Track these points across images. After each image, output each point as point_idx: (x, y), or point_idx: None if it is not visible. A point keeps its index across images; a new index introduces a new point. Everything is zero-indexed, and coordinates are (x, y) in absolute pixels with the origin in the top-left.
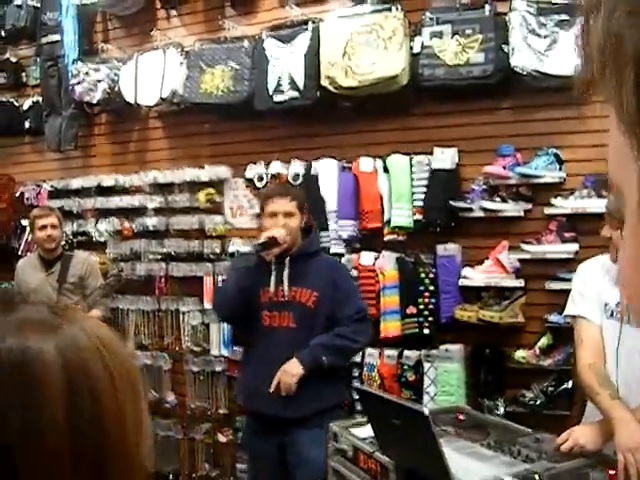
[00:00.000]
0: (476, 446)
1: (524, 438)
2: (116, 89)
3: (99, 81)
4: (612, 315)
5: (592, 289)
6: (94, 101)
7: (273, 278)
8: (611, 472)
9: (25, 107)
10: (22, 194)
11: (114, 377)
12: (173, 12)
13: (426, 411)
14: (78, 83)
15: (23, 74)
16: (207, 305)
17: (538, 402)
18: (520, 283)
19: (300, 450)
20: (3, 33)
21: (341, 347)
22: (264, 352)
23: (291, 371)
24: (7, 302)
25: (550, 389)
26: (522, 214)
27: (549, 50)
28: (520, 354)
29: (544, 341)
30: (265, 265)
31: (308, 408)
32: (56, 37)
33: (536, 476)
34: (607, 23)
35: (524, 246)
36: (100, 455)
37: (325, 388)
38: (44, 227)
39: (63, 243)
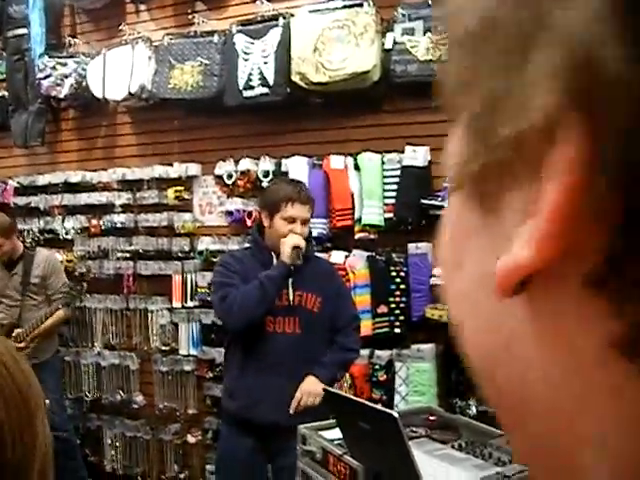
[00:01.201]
0: (447, 448)
1: (496, 440)
2: (84, 84)
3: (66, 76)
4: None
5: None
6: (61, 96)
7: None
8: None
9: None
10: None
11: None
12: (142, 6)
13: (395, 414)
14: (45, 78)
15: None
16: (176, 304)
17: None
18: None
19: (288, 456)
20: None
21: (349, 360)
22: (268, 358)
23: (314, 391)
24: None
25: None
26: None
27: None
28: None
29: None
30: (263, 268)
31: (309, 416)
32: (22, 30)
33: None
34: None
35: None
36: None
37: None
38: None
39: (21, 241)
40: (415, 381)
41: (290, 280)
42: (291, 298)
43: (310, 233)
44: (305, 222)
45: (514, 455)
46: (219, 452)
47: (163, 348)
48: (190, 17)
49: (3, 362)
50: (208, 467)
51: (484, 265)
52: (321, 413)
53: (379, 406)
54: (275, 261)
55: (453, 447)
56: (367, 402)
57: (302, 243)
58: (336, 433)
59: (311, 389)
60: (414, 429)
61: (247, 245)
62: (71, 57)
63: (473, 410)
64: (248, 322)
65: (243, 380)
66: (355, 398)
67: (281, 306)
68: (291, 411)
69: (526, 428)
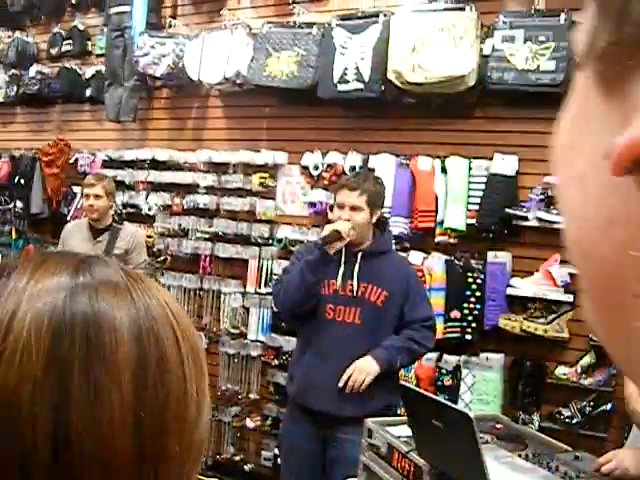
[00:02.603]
0: (514, 456)
1: (563, 455)
2: (180, 65)
3: (164, 55)
4: None
5: None
6: (157, 75)
7: (341, 271)
8: None
9: (88, 75)
10: (76, 161)
11: (182, 352)
12: None
13: (471, 414)
14: (143, 55)
15: (89, 43)
16: (249, 288)
17: (574, 421)
18: (569, 298)
19: (343, 447)
20: (73, 1)
21: (413, 351)
22: (324, 346)
23: (367, 369)
24: (80, 261)
25: (588, 409)
26: None
27: None
28: (561, 370)
29: (587, 360)
30: (332, 257)
31: (362, 408)
32: (125, 8)
33: None
34: None
35: None
36: (160, 428)
37: (380, 389)
38: (87, 196)
39: (112, 213)
40: (480, 389)
41: (356, 270)
42: (355, 289)
43: (385, 228)
44: (354, 208)
45: (603, 340)
46: (280, 433)
47: (232, 331)
48: (291, 7)
49: (185, 323)
50: (264, 453)
51: (599, 145)
52: (376, 406)
53: (454, 405)
54: (344, 251)
55: (520, 456)
56: (443, 400)
57: (344, 227)
58: (402, 430)
59: (362, 366)
60: (481, 435)
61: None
62: (170, 37)
63: (536, 425)
64: (291, 305)
65: (300, 364)
66: (431, 395)
67: (344, 296)
68: (340, 384)
69: (619, 312)
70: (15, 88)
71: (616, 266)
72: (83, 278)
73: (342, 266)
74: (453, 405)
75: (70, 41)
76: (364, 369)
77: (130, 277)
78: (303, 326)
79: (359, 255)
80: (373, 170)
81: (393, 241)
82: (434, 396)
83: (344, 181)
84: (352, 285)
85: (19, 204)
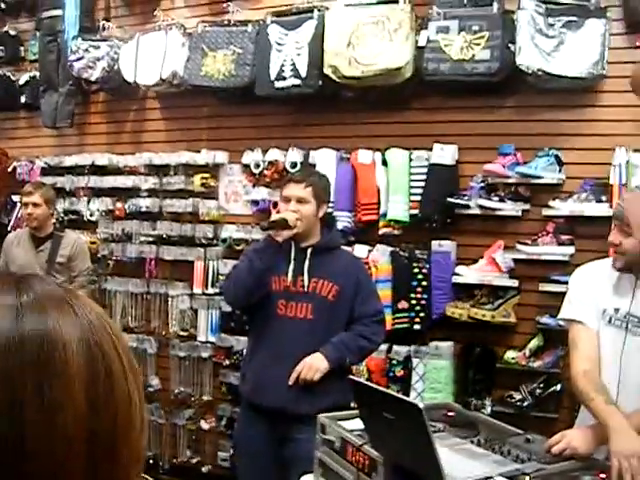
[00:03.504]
0: (466, 443)
1: (514, 438)
2: (115, 68)
3: (98, 59)
4: (610, 322)
5: (589, 294)
6: (92, 78)
7: (292, 267)
8: (602, 476)
9: (22, 82)
10: (14, 169)
11: (124, 363)
12: None
13: (421, 405)
14: (77, 60)
15: (21, 48)
16: (197, 290)
17: (526, 404)
18: (514, 283)
19: (300, 446)
20: (3, 5)
21: (363, 348)
22: (276, 343)
23: (316, 365)
24: (21, 279)
25: (538, 391)
26: (519, 214)
27: (556, 51)
28: (510, 355)
29: (535, 343)
30: (282, 252)
31: (317, 404)
32: (57, 12)
33: (526, 477)
34: None
35: (519, 246)
36: (112, 439)
37: (334, 385)
38: (26, 205)
39: (53, 221)
40: (432, 378)
41: (306, 266)
42: (306, 284)
43: (333, 224)
44: (301, 201)
45: None
46: (234, 434)
47: (181, 333)
48: (225, 6)
49: (116, 330)
50: (220, 454)
51: None
52: (330, 402)
53: (404, 397)
54: (293, 247)
55: (472, 443)
56: (392, 392)
57: (289, 217)
58: (355, 424)
59: (313, 363)
60: (433, 424)
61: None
62: (104, 40)
63: (488, 410)
64: (241, 295)
65: (253, 363)
66: (380, 388)
67: (295, 291)
68: (290, 382)
69: None
70: None
71: None
72: (27, 297)
73: (292, 262)
74: (402, 397)
75: (2, 47)
76: (313, 366)
77: (69, 292)
78: (254, 323)
79: (309, 251)
80: (314, 166)
81: (339, 234)
82: (383, 389)
83: (289, 176)
84: (303, 281)
85: None
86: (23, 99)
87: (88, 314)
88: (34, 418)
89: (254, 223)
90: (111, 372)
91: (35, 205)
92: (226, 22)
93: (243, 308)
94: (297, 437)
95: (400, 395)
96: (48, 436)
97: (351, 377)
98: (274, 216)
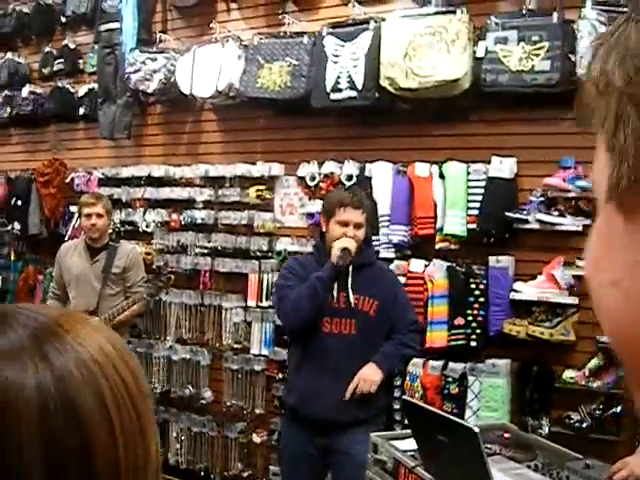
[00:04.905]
0: (523, 468)
1: (573, 463)
2: (172, 80)
3: (155, 71)
4: None
5: None
6: (149, 90)
7: (336, 286)
8: None
9: (80, 94)
10: (72, 180)
11: (111, 414)
12: (233, 5)
13: (476, 429)
14: (134, 72)
15: (80, 61)
16: (251, 302)
17: (584, 425)
18: (573, 300)
19: (345, 452)
20: (63, 19)
21: (406, 355)
22: (321, 357)
23: (372, 378)
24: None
25: (598, 412)
26: (580, 229)
27: None
28: (569, 374)
29: (595, 362)
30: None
31: (360, 414)
32: (115, 25)
33: None
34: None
35: (580, 262)
36: None
37: (375, 394)
38: (89, 216)
39: (110, 232)
40: (488, 396)
41: (349, 283)
42: (351, 301)
43: (370, 238)
44: (358, 226)
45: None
46: (280, 445)
47: (235, 346)
48: (281, 17)
49: (112, 362)
50: (272, 468)
51: (629, 255)
52: (373, 412)
53: (459, 420)
54: None
55: (529, 467)
56: (447, 415)
57: (351, 245)
58: (409, 444)
59: (369, 375)
60: (488, 445)
61: (311, 250)
62: (161, 53)
63: (545, 430)
64: (301, 321)
65: (299, 376)
66: (435, 410)
67: (339, 308)
68: (347, 396)
69: None
70: (8, 109)
71: None
72: None
73: (336, 281)
74: (458, 420)
75: (62, 60)
76: (369, 378)
77: (47, 335)
78: (299, 339)
79: (350, 268)
80: (370, 179)
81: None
82: (438, 410)
83: (344, 199)
84: (347, 297)
85: (17, 225)
86: (82, 111)
87: (66, 363)
88: None
89: (309, 236)
90: (87, 439)
91: (98, 216)
92: (282, 34)
93: (299, 332)
94: (343, 444)
95: (455, 418)
96: None
97: (405, 398)
98: (337, 249)
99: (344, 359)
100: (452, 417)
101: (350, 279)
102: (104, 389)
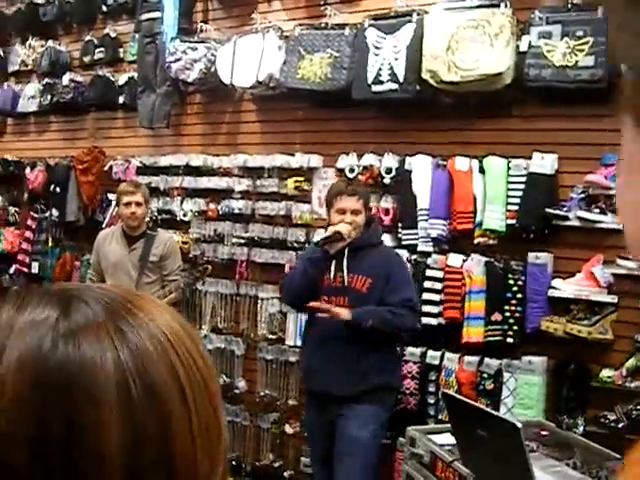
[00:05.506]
0: (561, 465)
1: (612, 462)
2: (212, 70)
3: (196, 60)
4: None
5: None
6: (189, 80)
7: (333, 266)
8: None
9: (121, 82)
10: (111, 168)
11: (186, 392)
12: None
13: (519, 424)
14: (175, 61)
15: (121, 50)
16: None
17: (620, 425)
18: (612, 299)
19: (345, 425)
20: (104, 8)
21: (386, 319)
22: (319, 333)
23: (338, 311)
24: (63, 301)
25: (635, 413)
26: (621, 227)
27: None
28: (606, 373)
29: (633, 362)
30: (332, 255)
31: (358, 386)
32: (156, 14)
33: None
34: None
35: (620, 261)
36: None
37: (374, 367)
38: (128, 204)
39: (147, 220)
40: (523, 394)
41: (345, 263)
42: (344, 279)
43: (371, 223)
44: (355, 212)
45: None
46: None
47: (270, 336)
48: (322, 9)
49: (182, 340)
50: (303, 459)
51: None
52: (370, 385)
53: (501, 415)
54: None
55: (567, 465)
56: (488, 409)
57: (345, 230)
58: (445, 438)
59: (338, 309)
60: (526, 443)
61: None
62: (202, 42)
63: (580, 429)
64: (293, 297)
65: (304, 354)
66: (476, 404)
67: (335, 287)
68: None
69: None
70: (49, 97)
71: None
72: (63, 322)
73: (333, 262)
74: (499, 414)
75: (102, 49)
76: (335, 310)
77: (117, 315)
78: (307, 319)
79: (346, 250)
80: (410, 172)
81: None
82: (479, 405)
83: (339, 189)
84: (341, 277)
85: (55, 212)
86: (121, 99)
87: (141, 339)
88: (60, 468)
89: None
90: (163, 414)
91: (138, 204)
92: (323, 25)
93: (292, 305)
94: (345, 417)
95: (497, 413)
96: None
97: (445, 391)
98: (329, 231)
99: (339, 334)
100: (493, 412)
101: (346, 260)
102: (178, 366)
